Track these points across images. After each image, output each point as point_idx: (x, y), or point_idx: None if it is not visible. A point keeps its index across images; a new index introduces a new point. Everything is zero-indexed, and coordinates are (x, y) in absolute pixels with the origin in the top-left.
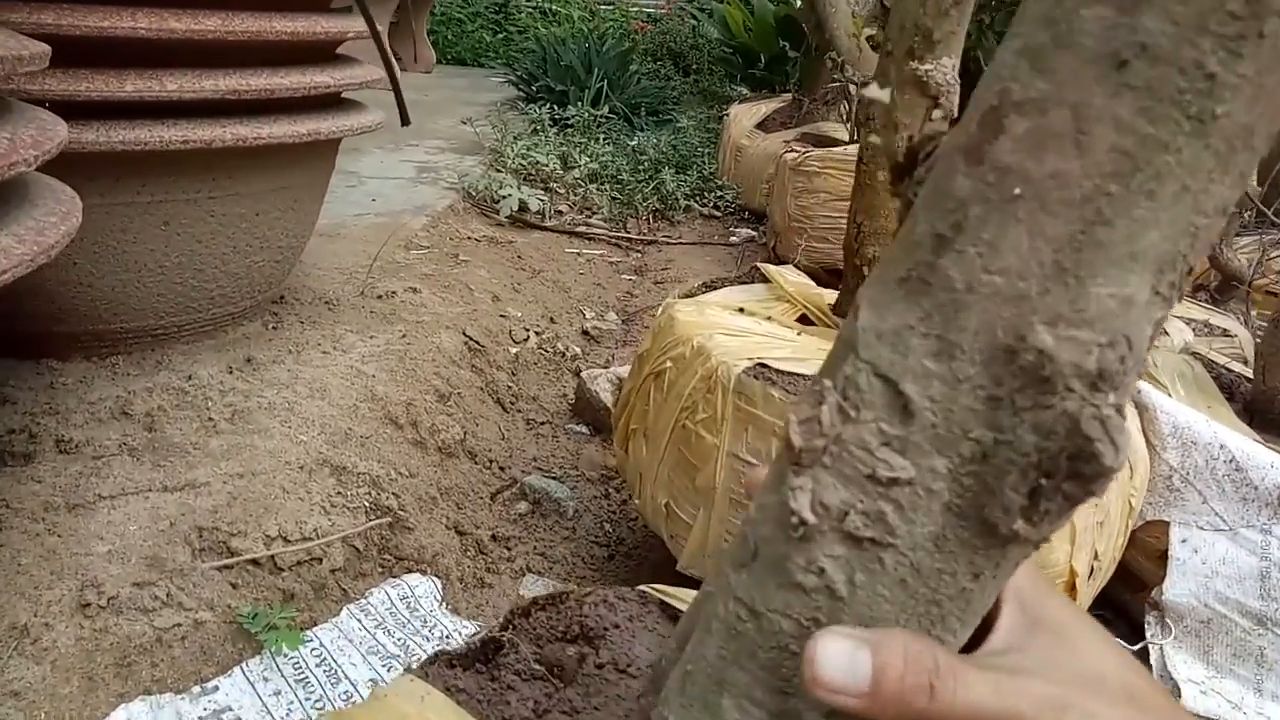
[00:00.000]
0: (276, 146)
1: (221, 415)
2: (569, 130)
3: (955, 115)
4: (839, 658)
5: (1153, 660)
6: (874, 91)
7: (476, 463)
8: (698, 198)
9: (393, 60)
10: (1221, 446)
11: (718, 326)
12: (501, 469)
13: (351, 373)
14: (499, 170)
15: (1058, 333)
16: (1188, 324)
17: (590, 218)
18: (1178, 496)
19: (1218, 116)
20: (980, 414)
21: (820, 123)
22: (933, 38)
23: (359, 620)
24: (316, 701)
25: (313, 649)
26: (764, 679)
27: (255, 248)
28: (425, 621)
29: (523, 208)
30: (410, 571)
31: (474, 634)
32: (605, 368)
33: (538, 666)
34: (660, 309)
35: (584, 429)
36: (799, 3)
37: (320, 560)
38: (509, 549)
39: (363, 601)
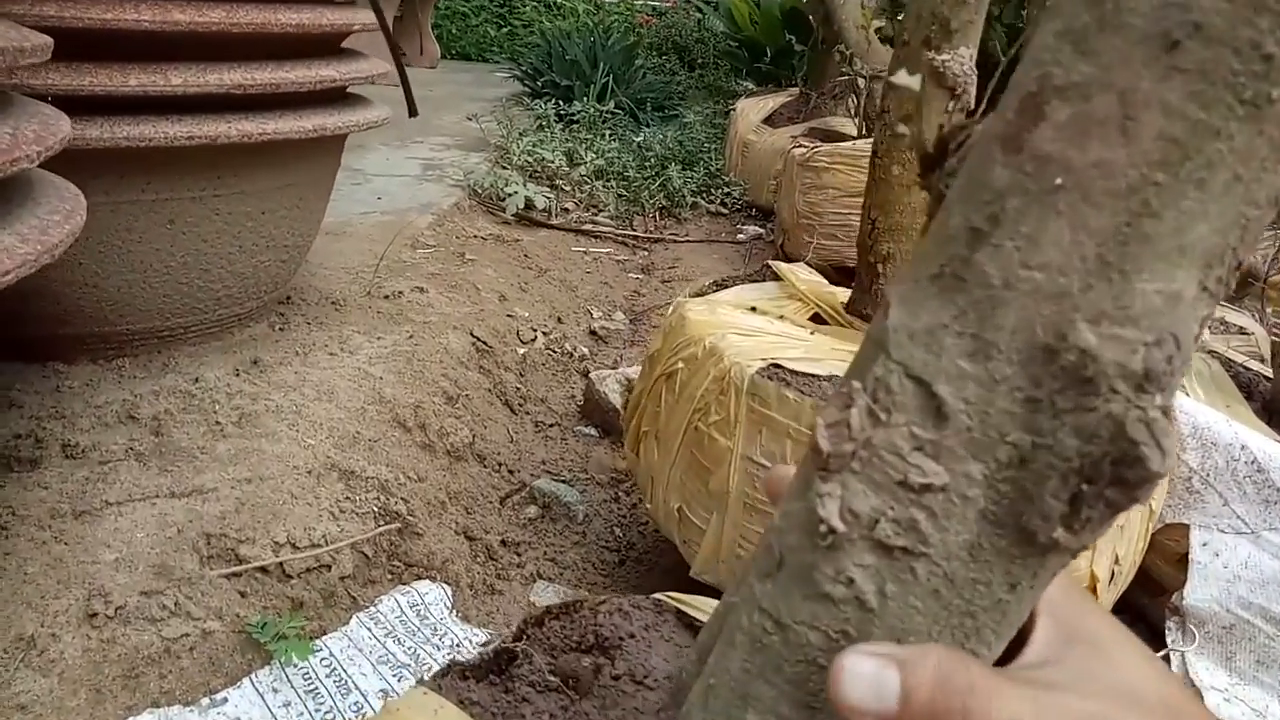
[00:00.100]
0: (282, 143)
1: (229, 419)
2: (574, 126)
3: (973, 107)
4: (865, 678)
5: (1174, 667)
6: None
7: (485, 466)
8: (704, 194)
9: (400, 51)
10: (1243, 447)
11: (730, 326)
12: (510, 472)
13: (359, 375)
14: (505, 167)
15: (1101, 331)
16: None
17: (596, 215)
18: (1198, 499)
19: (1274, 100)
20: (1018, 417)
21: (828, 117)
22: (950, 27)
23: (369, 629)
24: (327, 713)
25: (322, 659)
26: (790, 693)
27: (261, 247)
28: (435, 629)
29: (529, 205)
30: (420, 578)
31: (485, 643)
32: (613, 368)
33: (552, 678)
34: (671, 308)
35: (593, 431)
36: None
37: (329, 567)
38: (519, 554)
39: (372, 609)
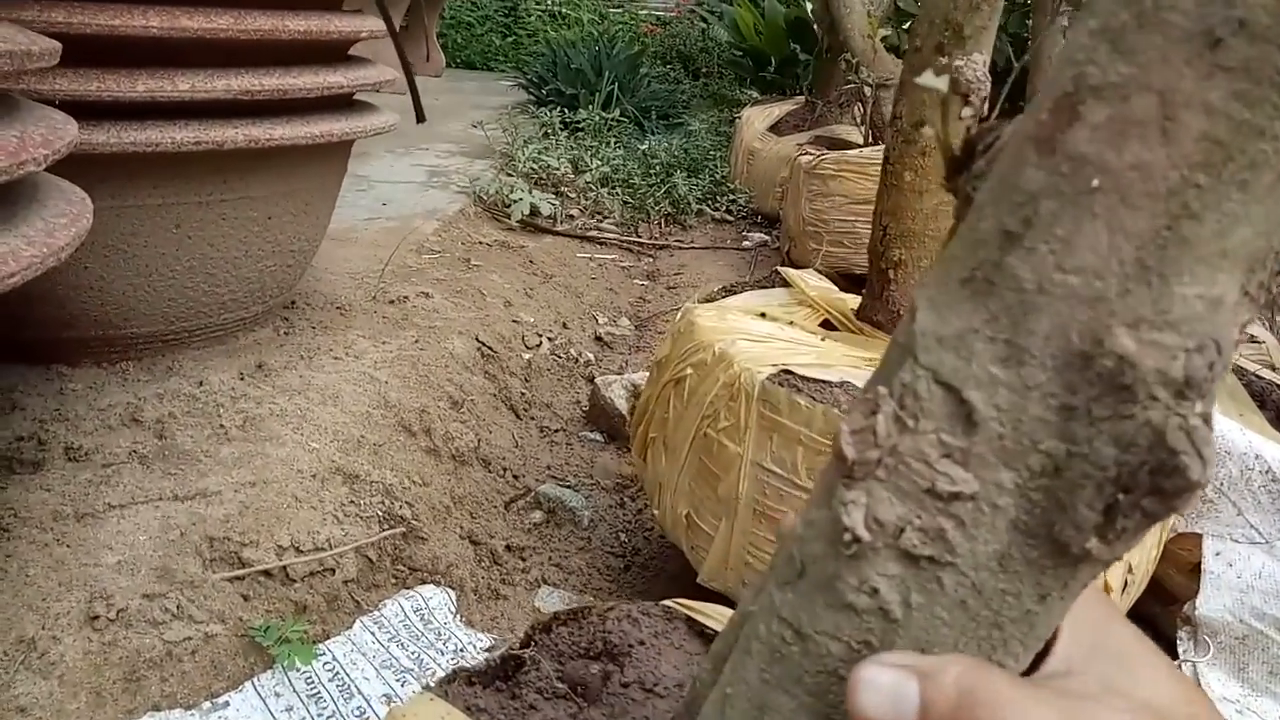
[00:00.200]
0: (289, 148)
1: (233, 422)
2: (579, 134)
3: (985, 114)
4: (883, 689)
5: None
6: (929, 79)
7: (490, 471)
8: (710, 202)
9: (407, 57)
10: (1257, 457)
11: (739, 332)
12: (515, 477)
13: (364, 379)
14: (510, 174)
15: (1139, 336)
16: None
17: (602, 222)
18: (1211, 508)
19: None
20: (1052, 424)
21: (834, 125)
22: (963, 33)
23: (372, 633)
24: (329, 718)
25: (325, 663)
26: (810, 705)
27: (267, 251)
28: (439, 634)
29: (534, 212)
30: (424, 582)
31: (489, 648)
32: (619, 374)
33: (560, 685)
34: (679, 314)
35: (598, 436)
36: (811, 5)
37: (333, 571)
38: (523, 559)
39: (376, 613)
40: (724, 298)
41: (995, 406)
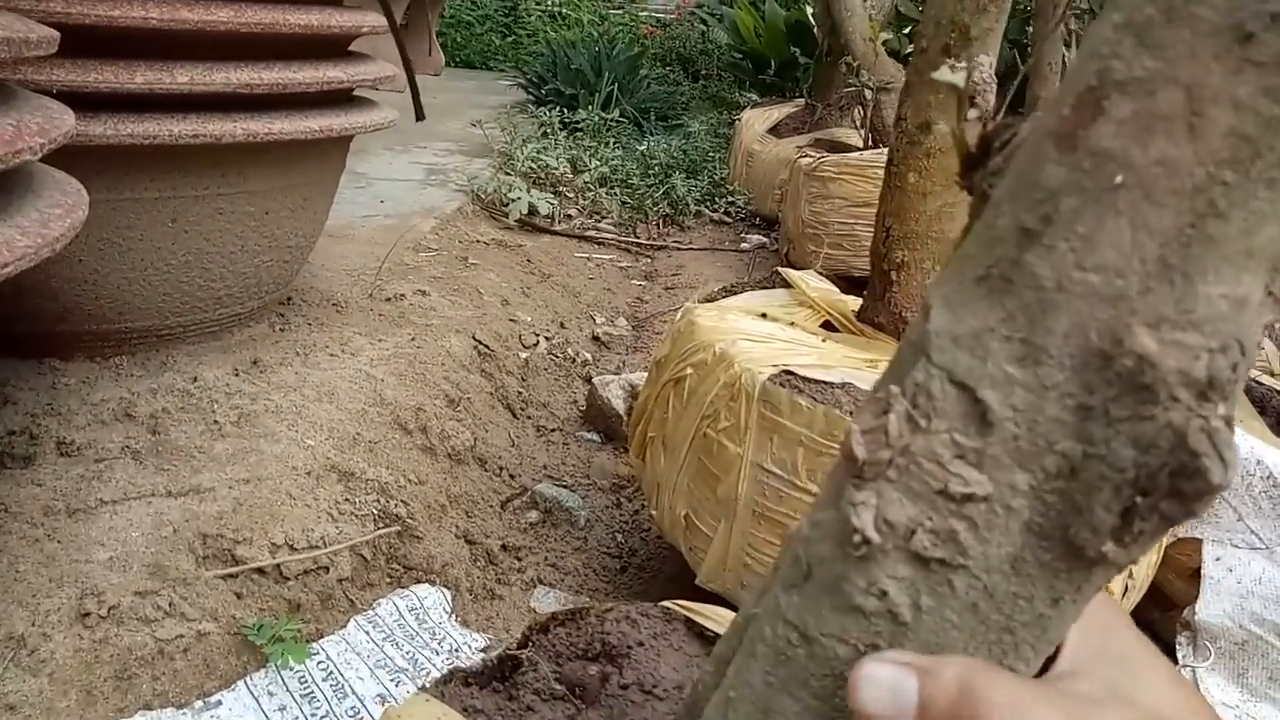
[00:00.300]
0: (288, 143)
1: (227, 418)
2: (578, 134)
3: (991, 115)
4: (882, 685)
5: None
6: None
7: (486, 470)
8: (708, 203)
9: (408, 54)
10: (1258, 462)
11: (740, 332)
12: (512, 477)
13: (360, 376)
14: (508, 173)
15: (1161, 336)
16: None
17: (600, 222)
18: (1211, 513)
19: None
20: (1069, 425)
21: (833, 128)
22: (970, 34)
23: (366, 632)
24: (323, 718)
25: (319, 662)
26: (815, 708)
27: (264, 247)
28: (434, 634)
29: (532, 211)
30: (419, 582)
31: (484, 647)
32: (616, 374)
33: (558, 686)
34: (680, 313)
35: (595, 436)
36: (811, 8)
37: (327, 569)
38: (519, 559)
39: (370, 613)
40: (724, 298)
41: (1011, 406)
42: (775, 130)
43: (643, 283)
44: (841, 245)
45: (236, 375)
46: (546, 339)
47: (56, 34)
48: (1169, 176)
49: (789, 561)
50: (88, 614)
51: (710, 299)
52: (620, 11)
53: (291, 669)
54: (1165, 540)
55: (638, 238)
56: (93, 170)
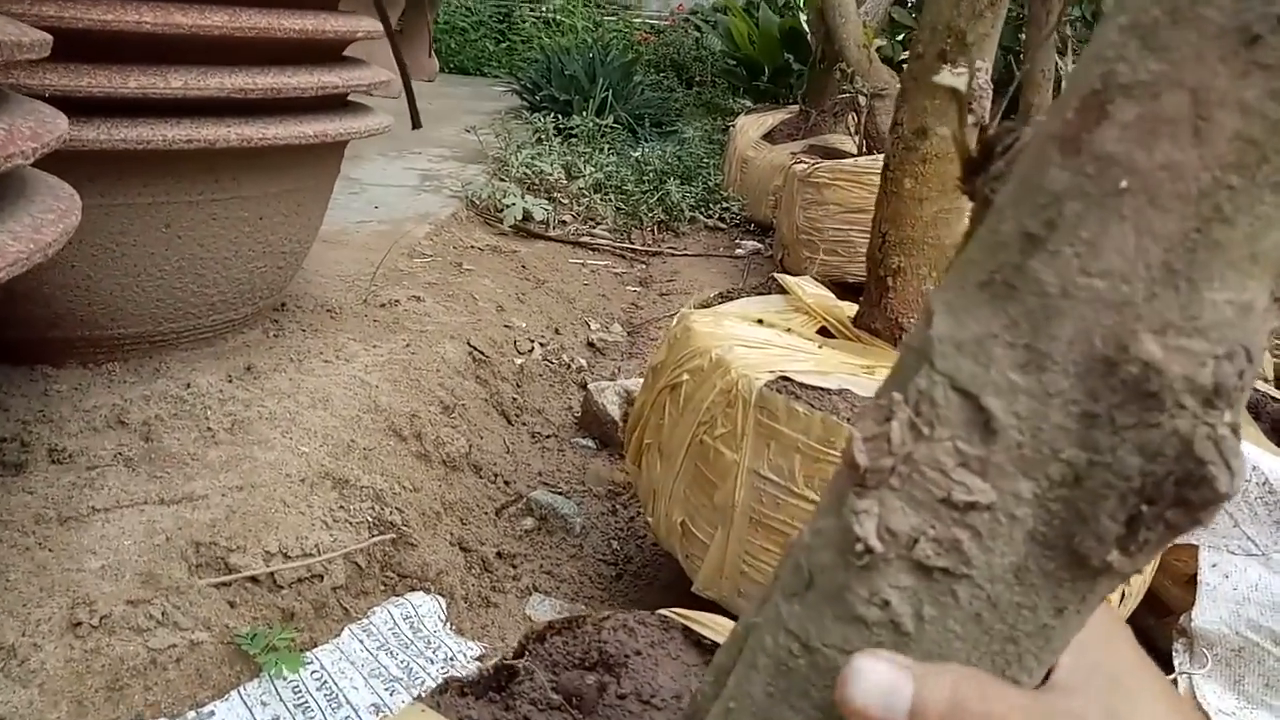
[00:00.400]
0: (282, 148)
1: (221, 425)
2: (573, 140)
3: (987, 121)
4: (876, 684)
5: (1181, 690)
6: (947, 78)
7: (481, 477)
8: (703, 209)
9: (405, 60)
10: (1254, 468)
11: (736, 338)
12: (507, 484)
13: (354, 383)
14: (503, 179)
15: (1166, 342)
16: None
17: (595, 228)
18: None
19: None
20: (1073, 433)
21: (827, 135)
22: (966, 40)
23: (361, 641)
24: None
25: (313, 671)
26: (816, 719)
27: (258, 252)
28: (429, 642)
29: (527, 217)
30: (414, 590)
31: (480, 656)
32: (611, 380)
33: (555, 696)
34: (676, 319)
35: (590, 443)
36: (806, 15)
37: (321, 577)
38: (514, 567)
39: (365, 621)
40: (720, 304)
41: (1014, 414)
42: (769, 136)
43: (637, 288)
44: (836, 251)
45: (230, 381)
46: (541, 345)
47: (49, 38)
48: (1174, 181)
49: (790, 570)
50: (79, 623)
51: (706, 305)
52: (614, 18)
53: (285, 678)
54: None
55: (632, 244)
56: (86, 175)
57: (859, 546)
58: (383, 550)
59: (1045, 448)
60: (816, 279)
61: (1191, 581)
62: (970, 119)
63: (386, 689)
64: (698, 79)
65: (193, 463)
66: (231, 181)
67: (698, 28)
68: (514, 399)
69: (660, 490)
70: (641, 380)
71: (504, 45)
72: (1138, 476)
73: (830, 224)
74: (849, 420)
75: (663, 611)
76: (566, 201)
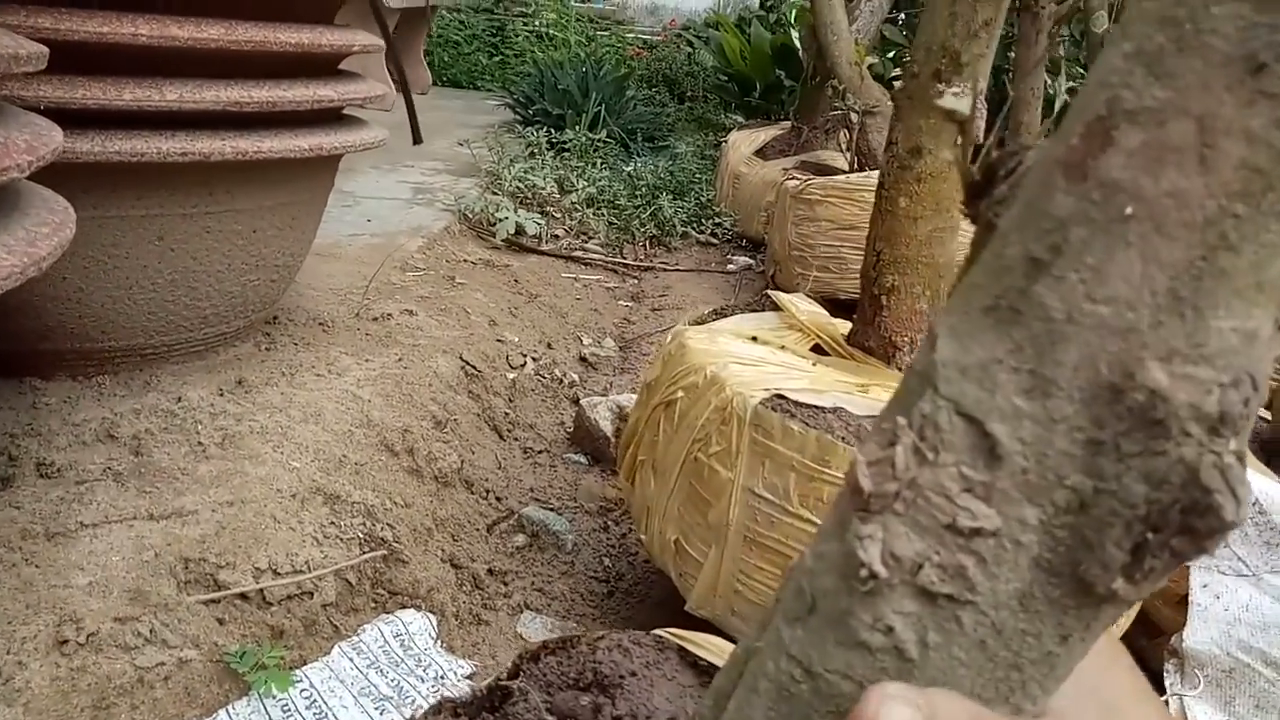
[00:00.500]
0: (277, 161)
1: (211, 439)
2: (566, 154)
3: (981, 140)
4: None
5: (1173, 711)
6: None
7: (473, 493)
8: (695, 224)
9: (405, 75)
10: None
11: (731, 355)
12: (498, 499)
13: (346, 397)
14: (496, 193)
15: (1172, 370)
16: None
17: (587, 242)
18: None
19: None
20: (1079, 459)
21: (819, 151)
22: (960, 60)
23: (351, 659)
24: None
25: (302, 690)
26: None
27: (251, 266)
28: (419, 660)
29: (519, 231)
30: (404, 607)
31: (470, 674)
32: (604, 395)
33: (549, 717)
34: (670, 336)
35: (583, 459)
36: (798, 32)
37: (311, 594)
38: (506, 584)
39: (355, 639)
40: (714, 320)
41: (1019, 440)
42: (761, 152)
43: (630, 303)
44: (828, 268)
45: (221, 395)
46: (534, 360)
47: (45, 50)
48: (1180, 208)
49: (792, 594)
50: (65, 641)
51: (700, 321)
52: (607, 33)
53: (274, 697)
54: None
55: (624, 258)
56: (80, 187)
57: (863, 572)
58: (373, 567)
59: (1050, 474)
60: (810, 295)
61: (1183, 602)
62: (964, 138)
63: (376, 707)
64: (690, 94)
65: (183, 477)
66: (226, 194)
67: (690, 43)
68: (506, 414)
69: (654, 507)
70: (634, 395)
71: (497, 59)
72: (1143, 504)
73: (822, 240)
74: (844, 439)
75: (658, 631)
76: (559, 216)
